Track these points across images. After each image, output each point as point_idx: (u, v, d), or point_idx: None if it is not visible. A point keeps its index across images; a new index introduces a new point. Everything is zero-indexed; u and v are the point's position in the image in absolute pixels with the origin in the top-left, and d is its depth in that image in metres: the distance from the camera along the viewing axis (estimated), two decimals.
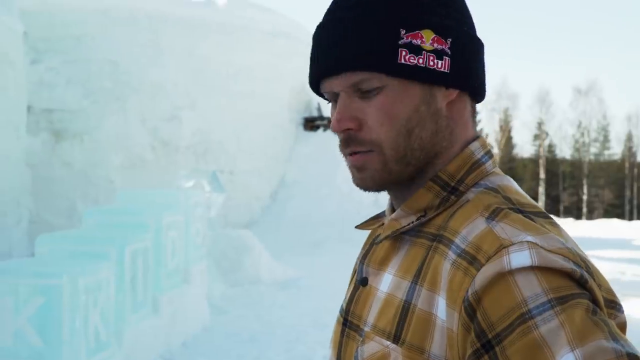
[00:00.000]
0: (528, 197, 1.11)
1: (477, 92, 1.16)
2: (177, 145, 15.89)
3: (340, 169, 18.60)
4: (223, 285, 10.12)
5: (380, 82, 1.09)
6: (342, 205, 17.44)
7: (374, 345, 1.08)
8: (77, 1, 15.37)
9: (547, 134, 55.76)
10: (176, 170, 13.63)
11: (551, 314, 0.91)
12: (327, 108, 21.65)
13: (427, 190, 1.13)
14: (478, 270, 0.97)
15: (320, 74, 1.15)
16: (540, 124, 55.50)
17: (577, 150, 56.30)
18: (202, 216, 8.77)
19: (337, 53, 1.10)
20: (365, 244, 1.32)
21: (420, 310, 1.04)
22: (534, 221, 1.02)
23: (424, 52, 1.08)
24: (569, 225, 26.53)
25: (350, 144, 1.13)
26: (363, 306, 1.17)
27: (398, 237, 1.15)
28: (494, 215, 1.03)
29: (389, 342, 1.06)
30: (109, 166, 14.91)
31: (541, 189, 50.71)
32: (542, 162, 53.22)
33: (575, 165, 55.61)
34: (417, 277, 1.07)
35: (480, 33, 1.19)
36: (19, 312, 4.87)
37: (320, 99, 17.89)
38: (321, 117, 20.22)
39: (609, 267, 14.01)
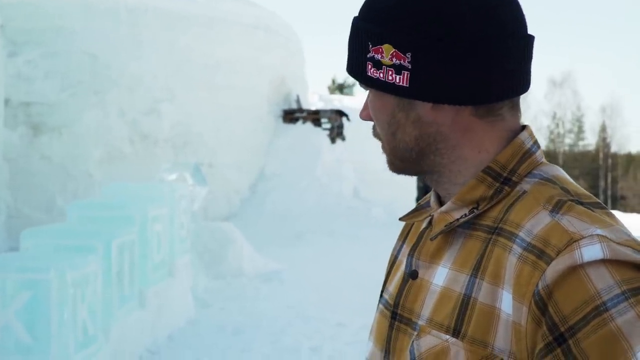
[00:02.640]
0: (581, 188, 1.12)
1: (464, 97, 1.10)
2: (156, 138, 15.82)
3: (320, 161, 18.63)
4: (206, 278, 10.11)
5: (365, 88, 1.17)
6: (322, 197, 17.48)
7: (432, 339, 1.08)
8: None
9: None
10: (156, 163, 13.58)
11: (626, 305, 0.92)
12: (305, 100, 21.67)
13: (479, 182, 1.12)
14: (548, 263, 0.97)
15: None
16: None
17: (552, 141, 56.73)
18: (186, 209, 8.76)
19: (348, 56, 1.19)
20: (402, 234, 1.32)
21: (482, 303, 1.04)
22: (595, 213, 1.03)
23: (383, 66, 1.11)
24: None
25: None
26: (415, 299, 1.16)
27: (450, 230, 1.14)
28: (557, 207, 1.04)
29: (448, 336, 1.06)
30: (88, 160, 14.82)
31: None
32: None
33: (550, 155, 56.01)
34: (477, 271, 1.07)
35: None
36: (6, 307, 4.85)
37: (300, 91, 17.81)
38: (300, 110, 20.22)
39: None
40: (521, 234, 1.03)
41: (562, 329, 0.95)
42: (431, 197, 1.24)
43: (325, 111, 20.61)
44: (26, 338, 4.83)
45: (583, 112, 58.98)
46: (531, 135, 1.17)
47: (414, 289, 1.17)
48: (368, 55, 1.12)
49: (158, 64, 15.83)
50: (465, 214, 1.13)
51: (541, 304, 0.96)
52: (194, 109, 16.49)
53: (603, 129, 56.91)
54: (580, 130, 58.17)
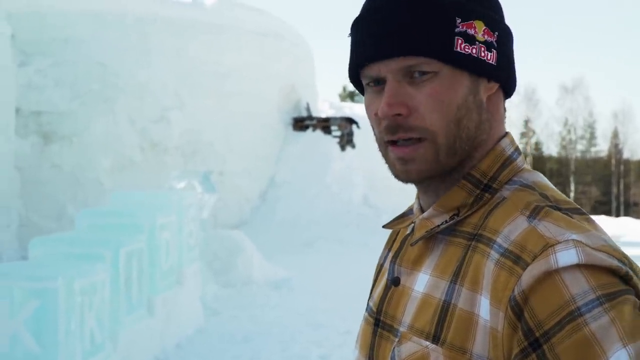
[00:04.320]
0: (561, 194, 1.11)
1: (512, 87, 1.17)
2: (166, 146, 15.85)
3: (330, 168, 18.61)
4: (216, 286, 10.11)
5: (434, 68, 1.08)
6: (332, 204, 17.45)
7: (412, 345, 1.08)
8: (65, 3, 15.31)
9: (533, 131, 56.01)
10: (165, 171, 13.61)
11: (600, 310, 0.92)
12: (315, 108, 21.67)
13: (460, 189, 1.12)
14: (524, 269, 0.97)
15: (367, 58, 1.12)
16: (527, 122, 55.73)
17: (563, 147, 56.55)
18: (195, 217, 8.76)
19: (393, 36, 1.08)
20: (388, 242, 1.32)
21: (462, 310, 1.03)
22: (573, 219, 1.02)
23: (477, 42, 1.09)
24: None
25: (398, 130, 1.10)
26: (397, 306, 1.16)
27: (431, 237, 1.14)
28: (535, 213, 1.03)
29: (428, 343, 1.05)
30: (98, 168, 14.87)
31: None
32: (529, 159, 53.40)
33: (562, 162, 55.85)
34: (457, 277, 1.06)
35: None
36: (14, 316, 4.85)
37: (310, 99, 17.81)
38: (310, 117, 20.20)
39: None
40: (499, 239, 1.03)
41: (537, 334, 0.94)
42: (415, 204, 1.23)
43: (335, 119, 20.60)
44: (34, 346, 4.83)
45: (595, 118, 58.80)
46: (512, 142, 1.17)
47: (396, 295, 1.17)
48: (457, 30, 1.08)
49: (167, 72, 15.87)
50: (446, 221, 1.12)
51: (517, 309, 0.96)
52: (204, 116, 16.51)
53: (615, 135, 56.70)
54: (592, 136, 57.97)
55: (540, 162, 55.60)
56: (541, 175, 1.15)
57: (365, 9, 1.15)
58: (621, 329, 0.91)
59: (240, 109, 17.42)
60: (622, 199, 53.15)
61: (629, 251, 1.26)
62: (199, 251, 9.14)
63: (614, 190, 53.63)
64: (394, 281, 1.18)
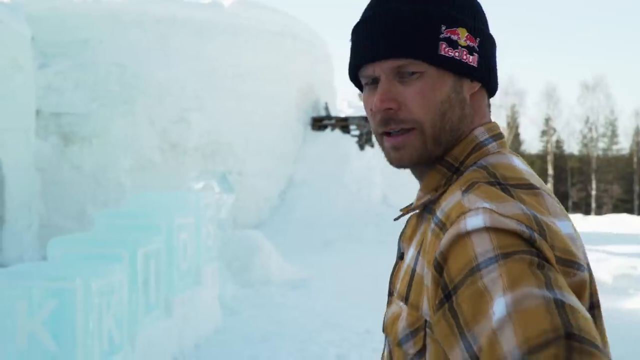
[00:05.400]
0: (521, 172, 1.22)
1: (493, 86, 1.34)
2: (185, 147, 15.92)
3: (349, 168, 18.60)
4: (234, 286, 10.13)
5: (421, 68, 1.25)
6: (351, 204, 17.45)
7: (395, 306, 1.28)
8: (84, 5, 15.42)
9: (554, 130, 55.66)
10: (185, 172, 13.67)
11: (495, 266, 1.04)
12: (334, 107, 21.67)
13: (436, 172, 1.30)
14: (445, 234, 1.14)
15: (364, 59, 1.30)
16: (547, 120, 55.41)
17: (585, 145, 56.17)
18: (213, 217, 8.78)
19: (386, 40, 1.26)
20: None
21: (418, 274, 1.23)
22: (508, 192, 1.15)
23: (459, 47, 1.26)
24: (577, 221, 26.46)
25: (390, 122, 1.27)
26: (396, 277, 1.37)
27: (420, 215, 1.34)
28: (468, 188, 1.18)
29: (402, 303, 1.25)
30: (118, 169, 14.95)
31: (549, 185, 50.58)
32: (550, 158, 53.11)
33: (583, 160, 55.47)
34: (420, 247, 1.26)
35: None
36: (32, 316, 4.89)
37: (328, 99, 17.87)
38: (329, 117, 20.21)
39: (619, 262, 13.96)
40: (438, 212, 1.21)
41: (449, 288, 1.08)
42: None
43: (353, 118, 20.59)
44: (52, 346, 4.87)
45: (616, 115, 58.18)
46: (490, 129, 1.32)
47: (398, 268, 1.38)
48: (441, 36, 1.25)
49: (186, 73, 15.93)
50: (423, 201, 1.31)
51: (438, 268, 1.12)
52: (223, 117, 16.56)
53: (637, 132, 56.25)
54: (614, 134, 57.54)
55: (561, 160, 55.27)
56: (512, 157, 1.27)
57: (363, 16, 1.32)
58: (506, 281, 1.01)
59: (258, 109, 17.47)
60: None
61: None
62: (217, 251, 9.16)
63: (636, 188, 53.19)
64: (400, 256, 1.39)
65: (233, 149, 16.86)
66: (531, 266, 1.03)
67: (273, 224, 16.71)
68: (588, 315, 1.00)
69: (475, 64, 1.27)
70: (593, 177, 52.80)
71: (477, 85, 1.29)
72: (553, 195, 1.22)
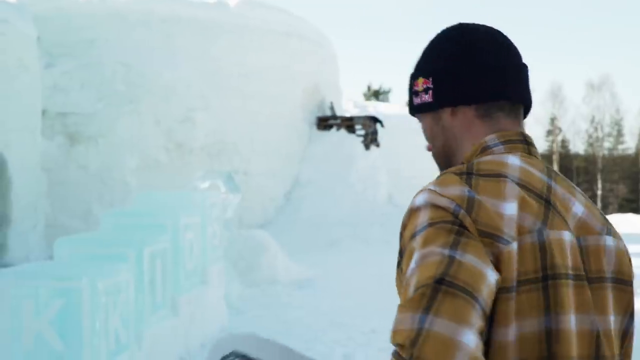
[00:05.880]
0: (502, 166, 1.46)
1: (463, 100, 1.57)
2: (191, 146, 15.93)
3: (354, 167, 18.59)
4: (240, 285, 10.13)
5: (418, 119, 1.69)
6: (357, 204, 17.44)
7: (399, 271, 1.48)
8: (90, 5, 15.44)
9: (560, 129, 55.57)
10: (190, 171, 13.67)
11: (423, 232, 1.34)
12: (339, 107, 21.66)
13: (450, 172, 1.50)
14: None
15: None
16: (553, 120, 55.33)
17: (590, 145, 56.07)
18: (219, 217, 8.79)
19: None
20: None
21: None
22: (467, 179, 1.42)
23: (419, 93, 1.62)
24: None
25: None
26: None
27: None
28: (438, 177, 1.47)
29: (398, 270, 1.46)
30: (124, 168, 14.97)
31: None
32: (555, 157, 53.03)
33: (589, 160, 55.36)
34: None
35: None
36: (39, 315, 4.89)
37: (334, 98, 17.90)
38: (334, 116, 20.20)
39: None
40: None
41: (403, 249, 1.40)
42: None
43: (359, 118, 20.57)
44: (59, 346, 4.87)
45: (622, 115, 58.03)
46: (502, 136, 1.53)
47: None
48: (412, 91, 1.64)
49: (192, 72, 15.94)
50: None
51: (401, 237, 1.42)
52: (228, 117, 16.57)
53: None
54: (620, 133, 57.40)
55: (567, 160, 55.18)
56: (505, 156, 1.49)
57: None
58: (421, 242, 1.32)
59: (264, 109, 17.47)
60: None
61: None
62: (223, 251, 9.16)
63: None
64: None
65: (239, 149, 16.87)
66: (447, 232, 1.32)
67: (279, 223, 16.71)
68: (477, 270, 1.27)
69: (430, 99, 1.59)
70: (599, 176, 52.70)
71: (448, 110, 1.58)
72: (532, 186, 1.44)
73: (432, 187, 1.40)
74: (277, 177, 17.85)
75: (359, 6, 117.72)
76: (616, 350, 1.44)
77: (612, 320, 1.44)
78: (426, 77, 1.59)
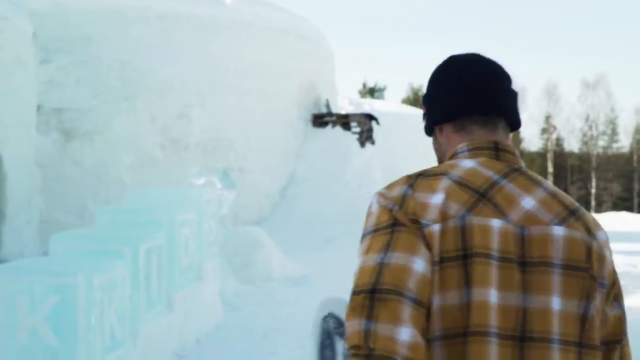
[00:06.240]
0: (450, 167, 1.72)
1: (442, 119, 1.87)
2: (187, 143, 15.91)
3: (350, 165, 18.59)
4: (235, 282, 10.14)
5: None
6: (352, 201, 17.43)
7: None
8: (87, 1, 15.40)
9: (555, 127, 55.68)
10: (186, 168, 13.65)
11: (367, 239, 1.65)
12: (335, 105, 21.66)
13: None
14: None
15: None
16: (548, 118, 55.43)
17: (585, 143, 56.19)
18: (214, 214, 8.79)
19: None
20: None
21: None
22: (413, 179, 1.70)
23: (423, 118, 1.96)
24: None
25: None
26: None
27: None
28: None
29: None
30: (119, 165, 14.94)
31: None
32: (550, 156, 53.13)
33: (583, 158, 55.48)
34: None
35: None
36: (34, 311, 4.89)
37: (329, 96, 17.90)
38: (330, 114, 20.18)
39: (619, 260, 13.97)
40: None
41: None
42: None
43: (354, 115, 20.56)
44: (54, 342, 4.87)
45: (617, 113, 58.20)
46: (471, 144, 1.79)
47: None
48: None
49: (188, 69, 15.92)
50: None
51: None
52: (224, 114, 16.55)
53: (637, 131, 56.29)
54: (614, 132, 57.56)
55: (561, 158, 55.28)
56: (463, 161, 1.75)
57: None
58: (364, 248, 1.63)
59: (260, 106, 17.45)
60: None
61: None
62: (219, 247, 9.16)
63: (636, 186, 53.21)
64: None
65: (234, 146, 16.85)
66: (384, 236, 1.61)
67: (274, 220, 16.71)
68: (403, 267, 1.54)
69: (425, 122, 1.94)
70: (593, 175, 52.82)
71: (437, 130, 1.90)
72: (471, 182, 1.67)
73: (382, 191, 1.71)
74: (273, 174, 17.84)
75: (354, 4, 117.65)
76: (568, 330, 1.60)
77: (557, 302, 1.60)
78: (423, 104, 1.94)
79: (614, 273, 1.72)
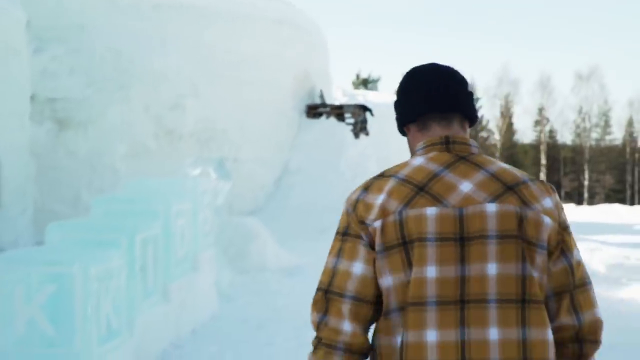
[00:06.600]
0: (400, 167, 2.04)
1: (408, 120, 2.16)
2: (181, 133, 15.88)
3: (344, 155, 18.60)
4: (230, 272, 10.14)
5: None
6: (346, 191, 17.38)
7: None
8: None
9: (548, 119, 55.73)
10: (180, 158, 13.63)
11: (334, 240, 2.06)
12: (329, 95, 21.64)
13: None
14: None
15: None
16: (541, 110, 55.47)
17: (578, 135, 56.25)
18: (210, 204, 8.79)
19: None
20: None
21: None
22: (369, 182, 2.04)
23: (396, 120, 2.25)
24: (570, 210, 26.52)
25: None
26: None
27: None
28: None
29: None
30: (113, 155, 14.91)
31: (542, 175, 50.72)
32: (543, 147, 53.22)
33: (576, 150, 55.56)
34: None
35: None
36: (30, 301, 4.89)
37: (324, 86, 17.84)
38: (324, 105, 20.17)
39: (612, 251, 14.02)
40: None
41: None
42: None
43: (348, 106, 20.55)
44: (50, 331, 4.88)
45: (610, 106, 58.34)
46: (428, 141, 2.08)
47: None
48: None
49: (182, 59, 15.88)
50: None
51: None
52: (219, 104, 16.52)
53: (630, 123, 56.40)
54: (607, 124, 57.63)
55: (554, 150, 55.36)
56: (413, 159, 2.07)
57: None
58: (330, 249, 2.05)
59: (254, 96, 17.42)
60: (636, 187, 52.90)
61: None
62: (214, 238, 9.17)
63: (629, 178, 53.37)
64: None
65: (228, 136, 16.83)
66: (340, 241, 2.02)
67: (268, 210, 16.71)
68: (346, 272, 1.98)
69: (397, 126, 2.21)
70: (586, 167, 52.93)
71: (406, 130, 2.18)
72: (412, 179, 1.97)
73: (349, 193, 2.05)
74: (267, 165, 17.83)
75: None
76: (507, 290, 1.88)
77: (494, 267, 1.89)
78: (394, 110, 2.21)
79: (558, 234, 1.98)
